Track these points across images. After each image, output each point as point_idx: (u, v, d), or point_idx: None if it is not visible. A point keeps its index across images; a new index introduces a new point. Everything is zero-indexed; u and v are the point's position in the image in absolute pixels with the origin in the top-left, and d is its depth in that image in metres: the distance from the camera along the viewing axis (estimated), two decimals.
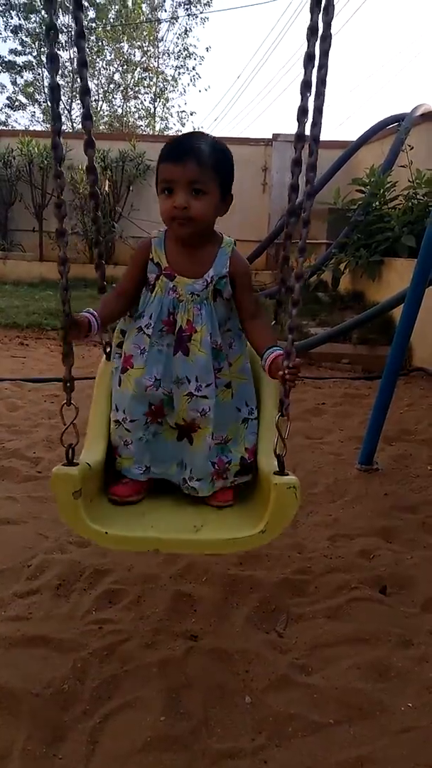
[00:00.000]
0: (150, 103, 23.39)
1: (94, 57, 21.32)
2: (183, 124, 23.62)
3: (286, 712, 1.43)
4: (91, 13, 20.85)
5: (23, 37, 21.16)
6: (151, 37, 22.26)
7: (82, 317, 1.46)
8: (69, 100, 19.15)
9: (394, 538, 2.28)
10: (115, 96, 22.97)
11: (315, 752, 1.34)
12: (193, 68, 23.13)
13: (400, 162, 6.47)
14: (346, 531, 2.30)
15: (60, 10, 14.96)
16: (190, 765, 1.30)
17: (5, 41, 31.10)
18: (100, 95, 22.39)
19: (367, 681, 1.54)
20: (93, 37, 20.85)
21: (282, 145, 8.93)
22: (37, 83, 21.84)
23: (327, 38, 1.23)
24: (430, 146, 6.35)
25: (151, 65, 22.73)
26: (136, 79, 22.76)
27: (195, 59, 22.83)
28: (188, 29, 22.79)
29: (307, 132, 1.31)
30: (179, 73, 23.05)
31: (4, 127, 20.28)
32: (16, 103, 22.33)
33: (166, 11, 22.63)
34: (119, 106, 23.29)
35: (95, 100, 22.01)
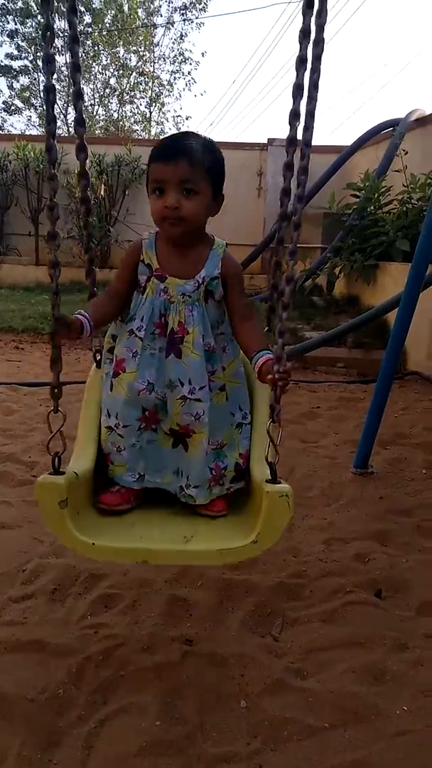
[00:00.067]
0: (146, 107, 23.49)
1: (90, 61, 21.36)
2: (179, 129, 23.68)
3: (282, 716, 1.43)
4: (88, 18, 20.92)
5: (19, 42, 21.22)
6: (147, 42, 22.32)
7: (74, 318, 1.44)
8: (65, 105, 19.16)
9: (389, 542, 2.28)
10: (111, 100, 23.07)
11: (310, 756, 1.33)
12: (189, 73, 23.26)
13: (394, 167, 6.50)
14: (341, 534, 2.30)
15: (56, 14, 15.01)
16: None
17: (1, 45, 31.28)
18: (96, 99, 22.48)
19: (362, 685, 1.53)
20: (89, 42, 20.91)
21: (277, 149, 8.97)
22: (34, 87, 21.87)
23: (320, 42, 1.24)
24: (425, 151, 6.38)
25: (147, 70, 22.81)
26: (132, 83, 22.82)
27: (191, 64, 22.95)
28: (184, 34, 22.91)
29: (299, 136, 1.31)
30: (175, 78, 23.14)
31: (0, 132, 20.32)
32: (12, 108, 22.39)
33: (162, 16, 22.73)
34: (115, 111, 23.39)
35: (91, 105, 22.07)
